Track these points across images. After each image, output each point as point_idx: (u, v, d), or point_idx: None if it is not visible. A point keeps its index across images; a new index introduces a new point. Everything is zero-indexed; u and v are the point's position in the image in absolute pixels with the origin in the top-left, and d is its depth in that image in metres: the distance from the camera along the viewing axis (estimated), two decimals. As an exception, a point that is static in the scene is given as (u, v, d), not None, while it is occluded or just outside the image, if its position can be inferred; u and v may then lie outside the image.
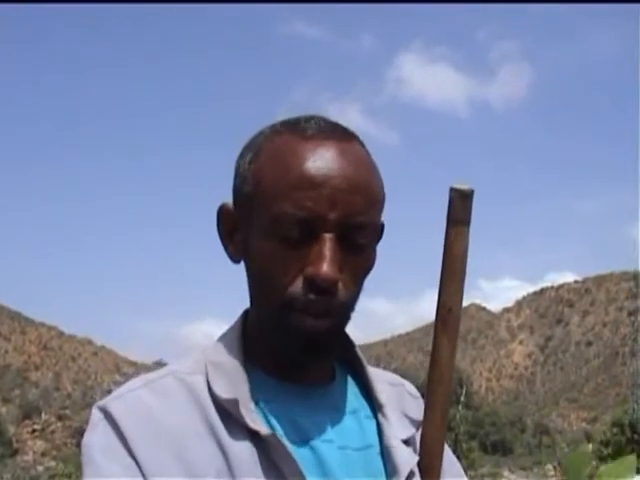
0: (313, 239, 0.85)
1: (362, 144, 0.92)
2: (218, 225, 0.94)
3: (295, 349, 0.87)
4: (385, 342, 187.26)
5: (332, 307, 0.86)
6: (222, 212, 0.94)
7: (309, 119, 0.90)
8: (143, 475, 0.82)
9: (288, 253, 0.85)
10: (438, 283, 0.93)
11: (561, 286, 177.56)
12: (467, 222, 0.92)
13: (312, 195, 0.84)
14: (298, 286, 0.85)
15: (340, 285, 0.85)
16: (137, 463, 0.83)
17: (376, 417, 0.96)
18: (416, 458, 0.93)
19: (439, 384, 0.92)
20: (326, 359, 0.92)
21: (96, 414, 0.87)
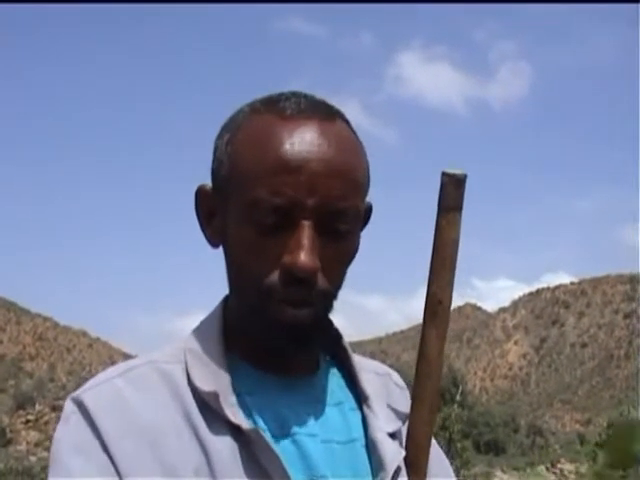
0: (291, 226, 0.80)
1: (346, 121, 0.87)
2: (196, 208, 0.90)
3: (277, 339, 0.83)
4: (379, 340, 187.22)
5: (312, 296, 0.81)
6: (200, 194, 0.89)
7: (289, 97, 0.85)
8: (118, 473, 0.78)
9: (265, 241, 0.81)
10: (428, 273, 0.88)
11: (557, 287, 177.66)
12: (459, 209, 0.87)
13: (289, 180, 0.79)
14: (275, 276, 0.81)
15: (320, 274, 0.81)
16: (112, 460, 0.78)
17: (361, 409, 0.92)
18: (403, 453, 0.88)
19: (427, 379, 0.89)
20: (309, 348, 0.87)
21: (69, 406, 0.83)
